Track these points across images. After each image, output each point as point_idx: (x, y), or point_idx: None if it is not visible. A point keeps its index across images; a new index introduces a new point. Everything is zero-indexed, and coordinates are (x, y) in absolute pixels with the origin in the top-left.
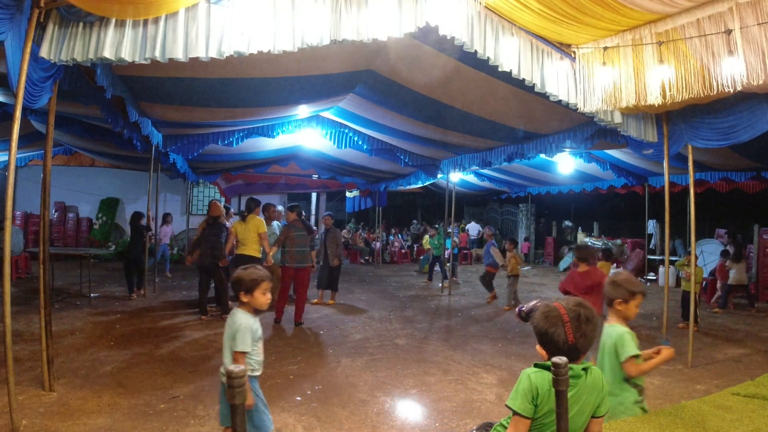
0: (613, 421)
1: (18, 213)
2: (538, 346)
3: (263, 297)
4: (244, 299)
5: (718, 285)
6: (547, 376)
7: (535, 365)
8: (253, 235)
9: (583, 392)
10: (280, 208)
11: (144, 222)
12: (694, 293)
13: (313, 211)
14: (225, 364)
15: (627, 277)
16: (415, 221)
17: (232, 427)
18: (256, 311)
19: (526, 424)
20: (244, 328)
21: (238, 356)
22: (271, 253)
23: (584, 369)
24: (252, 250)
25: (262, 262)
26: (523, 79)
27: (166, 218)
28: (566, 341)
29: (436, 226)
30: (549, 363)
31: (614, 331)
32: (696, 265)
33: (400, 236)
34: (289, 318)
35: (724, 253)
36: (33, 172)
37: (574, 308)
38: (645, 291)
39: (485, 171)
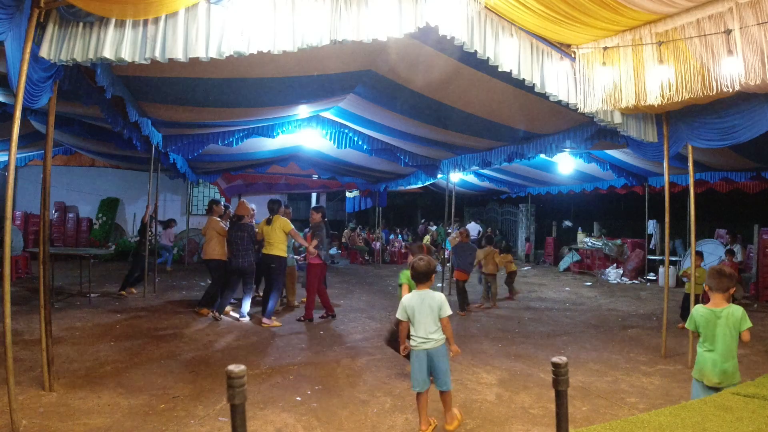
0: (613, 421)
1: (18, 213)
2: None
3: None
4: (431, 279)
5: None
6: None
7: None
8: (280, 236)
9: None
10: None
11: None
12: (694, 294)
13: None
14: (418, 333)
15: (733, 271)
16: (423, 221)
17: (232, 427)
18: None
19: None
20: (444, 299)
21: (448, 320)
22: (312, 246)
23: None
24: (279, 250)
25: (287, 262)
26: (523, 80)
27: (170, 223)
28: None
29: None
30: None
31: (735, 309)
32: (699, 267)
33: (399, 236)
34: (290, 318)
35: (730, 252)
36: (33, 172)
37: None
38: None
39: (485, 171)
